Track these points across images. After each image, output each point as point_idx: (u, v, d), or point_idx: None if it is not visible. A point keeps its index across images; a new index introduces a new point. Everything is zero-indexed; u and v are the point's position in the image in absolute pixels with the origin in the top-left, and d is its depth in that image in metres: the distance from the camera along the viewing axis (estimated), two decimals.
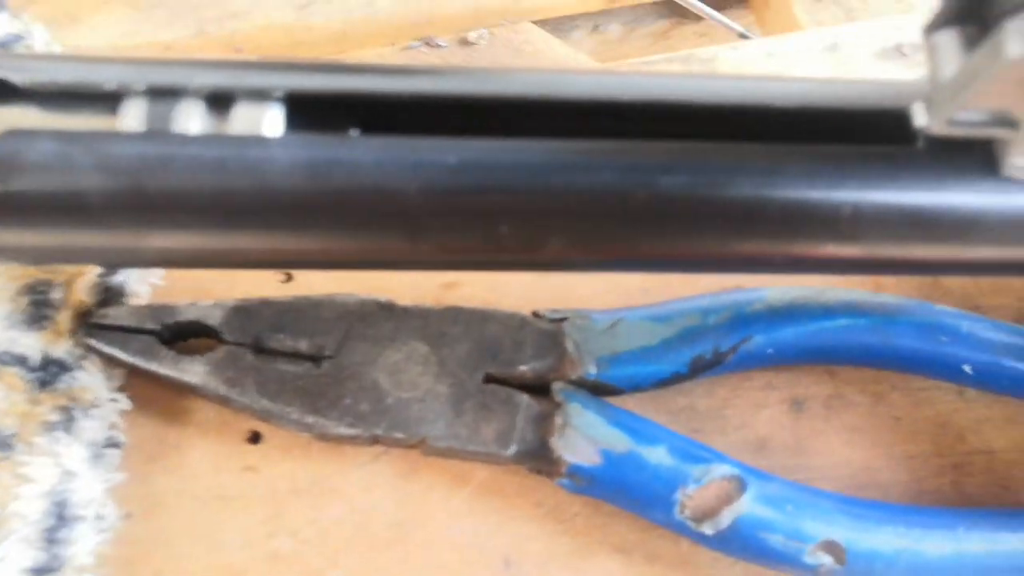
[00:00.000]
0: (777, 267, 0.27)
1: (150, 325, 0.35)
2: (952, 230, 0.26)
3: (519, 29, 0.58)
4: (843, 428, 0.38)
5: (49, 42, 0.38)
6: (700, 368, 0.36)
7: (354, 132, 0.26)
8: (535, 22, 0.59)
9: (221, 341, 0.35)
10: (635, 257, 0.27)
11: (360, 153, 0.25)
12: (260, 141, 0.24)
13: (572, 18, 0.68)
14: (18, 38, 0.37)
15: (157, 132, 0.24)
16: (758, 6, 0.66)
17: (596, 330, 0.36)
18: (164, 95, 0.25)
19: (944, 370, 0.37)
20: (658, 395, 0.37)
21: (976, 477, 0.37)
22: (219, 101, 0.25)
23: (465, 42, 0.57)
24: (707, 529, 0.33)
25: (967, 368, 0.36)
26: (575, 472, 0.33)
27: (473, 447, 0.34)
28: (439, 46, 0.56)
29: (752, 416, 0.38)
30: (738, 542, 0.33)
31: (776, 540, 0.32)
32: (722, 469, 0.33)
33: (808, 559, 0.32)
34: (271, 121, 0.25)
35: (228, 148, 0.24)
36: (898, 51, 0.57)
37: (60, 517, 0.32)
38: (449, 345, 0.35)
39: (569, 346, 0.35)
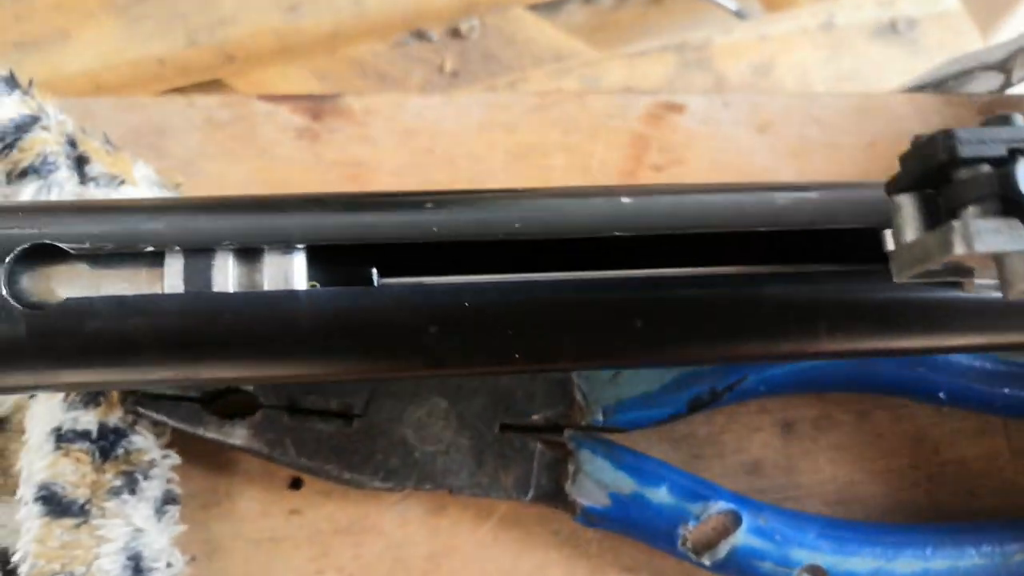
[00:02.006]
0: (765, 362, 0.30)
1: (192, 392, 0.38)
2: (920, 331, 0.29)
3: (510, 17, 0.58)
4: (830, 447, 0.42)
5: (62, 120, 0.39)
6: (698, 407, 0.39)
7: (373, 272, 0.28)
8: (526, 7, 0.59)
9: (258, 403, 0.38)
10: (637, 364, 0.30)
11: (380, 302, 0.27)
12: (290, 295, 0.27)
13: None
14: (34, 119, 0.39)
15: (198, 292, 0.27)
16: None
17: (601, 379, 0.39)
18: (199, 252, 0.27)
19: (923, 395, 0.40)
20: (660, 425, 0.41)
21: (948, 487, 0.41)
22: (248, 253, 0.28)
23: (456, 34, 0.57)
24: (706, 560, 0.37)
25: (942, 395, 0.40)
26: (588, 512, 0.37)
27: (495, 494, 0.38)
28: (430, 40, 0.57)
29: (747, 440, 0.41)
30: (733, 569, 0.37)
31: (767, 567, 0.37)
32: (719, 505, 0.37)
33: None
34: (297, 270, 0.27)
35: (263, 303, 0.27)
36: (892, 28, 0.58)
37: (136, 569, 0.37)
38: (466, 398, 0.39)
39: (577, 395, 0.38)
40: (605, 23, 0.64)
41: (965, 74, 0.47)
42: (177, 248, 0.27)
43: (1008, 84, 0.47)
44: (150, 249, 0.27)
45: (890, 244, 0.27)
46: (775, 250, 0.29)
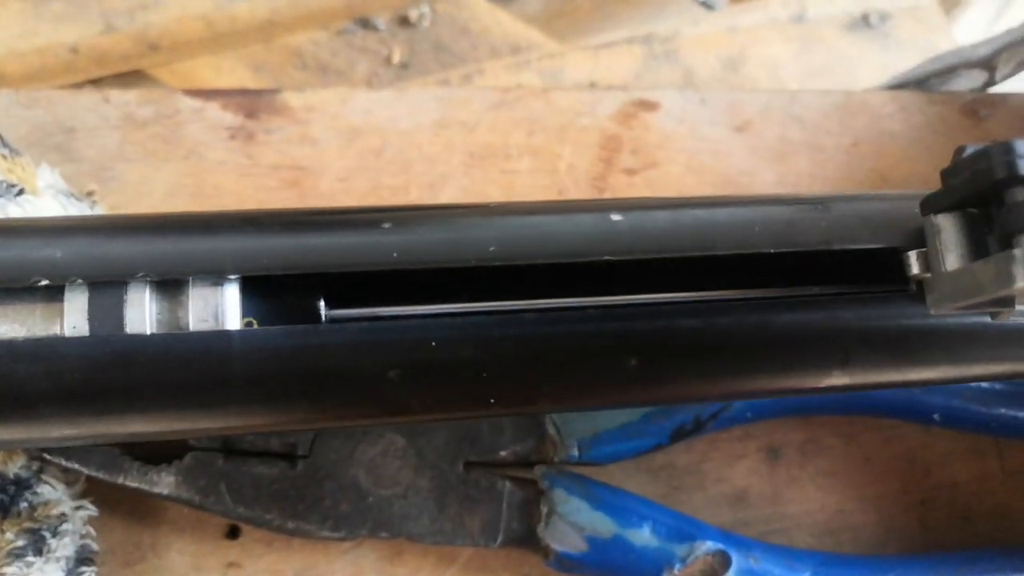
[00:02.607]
0: (770, 397, 0.27)
1: None
2: (942, 360, 0.26)
3: (463, 4, 0.54)
4: (818, 473, 0.39)
5: None
6: (681, 437, 0.36)
7: (320, 305, 0.24)
8: None
9: (187, 447, 0.34)
10: (630, 404, 0.26)
11: (330, 345, 0.23)
12: (221, 336, 0.22)
13: None
14: None
15: (106, 336, 0.22)
16: None
17: None
18: (108, 286, 0.22)
19: (916, 417, 0.38)
20: (639, 457, 0.37)
21: (940, 512, 0.39)
22: (169, 286, 0.23)
23: (405, 22, 0.53)
24: None
25: (936, 416, 0.37)
26: (562, 558, 0.34)
27: (460, 541, 0.34)
28: (377, 28, 0.52)
29: (730, 469, 0.38)
30: None
31: None
32: (706, 545, 0.34)
33: None
34: (230, 305, 0.23)
35: (187, 348, 0.22)
36: (865, 22, 0.55)
37: None
38: (426, 434, 0.34)
39: (550, 428, 0.35)
40: (563, 11, 0.60)
41: (948, 71, 0.45)
42: (80, 281, 0.22)
43: (992, 82, 0.45)
44: (45, 283, 0.22)
45: (915, 267, 0.24)
46: (785, 272, 0.25)
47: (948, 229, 0.21)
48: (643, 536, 0.34)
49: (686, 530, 0.34)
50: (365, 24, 0.51)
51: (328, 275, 0.23)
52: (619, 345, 0.24)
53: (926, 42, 0.53)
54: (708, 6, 0.54)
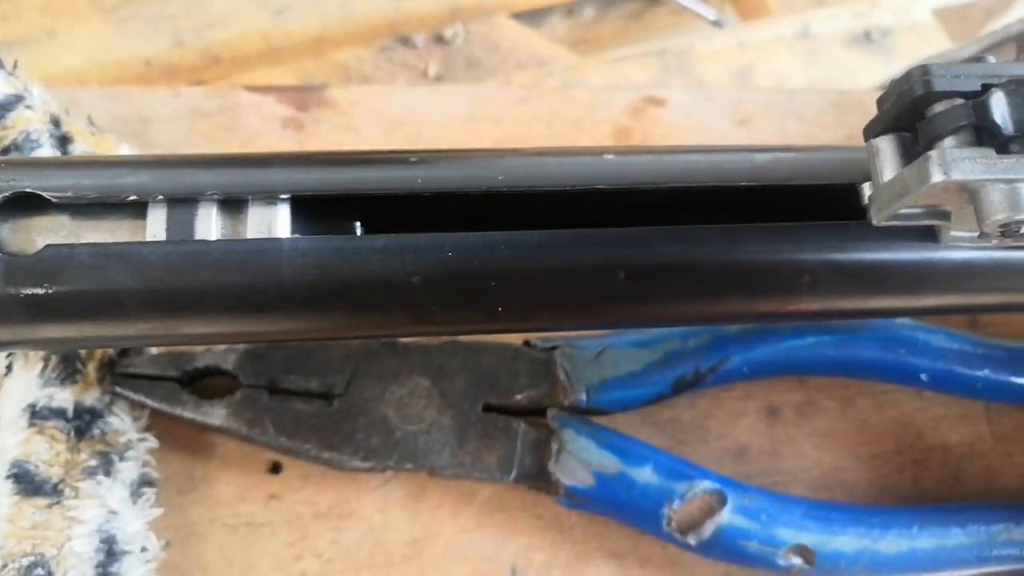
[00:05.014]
0: (746, 322, 0.30)
1: (171, 372, 0.38)
2: (898, 288, 0.29)
3: (494, 24, 0.59)
4: (814, 432, 0.41)
5: (47, 100, 0.39)
6: (682, 388, 0.39)
7: (357, 226, 0.28)
8: (510, 15, 0.60)
9: (238, 384, 0.38)
10: (619, 322, 0.30)
11: (364, 251, 0.27)
12: (273, 243, 0.27)
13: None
14: (18, 98, 0.39)
15: (180, 240, 0.27)
16: None
17: (585, 358, 0.38)
18: (182, 202, 0.27)
19: (904, 378, 0.40)
20: (645, 410, 0.40)
21: (932, 471, 0.41)
22: (232, 204, 0.27)
23: (441, 40, 0.58)
24: (691, 539, 0.36)
25: (923, 376, 0.40)
26: (572, 492, 0.37)
27: (478, 474, 0.37)
28: (415, 45, 0.58)
29: (732, 425, 0.41)
30: (719, 549, 0.37)
31: (753, 546, 0.36)
32: (704, 484, 0.37)
33: (781, 561, 0.36)
34: (281, 221, 0.27)
35: (245, 251, 0.27)
36: (867, 37, 0.59)
37: (110, 553, 0.36)
38: (449, 378, 0.38)
39: (560, 375, 0.38)
40: (586, 35, 0.66)
41: None
42: (160, 198, 0.27)
43: None
44: (133, 199, 0.27)
45: (868, 194, 0.27)
46: (755, 206, 0.29)
47: (885, 149, 0.25)
48: (645, 474, 0.37)
49: (686, 471, 0.37)
50: (405, 41, 0.57)
51: (363, 199, 0.28)
52: (609, 265, 0.28)
53: (926, 55, 0.57)
54: (719, 24, 0.59)
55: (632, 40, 0.63)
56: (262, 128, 0.44)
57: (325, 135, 0.44)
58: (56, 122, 0.39)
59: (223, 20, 0.54)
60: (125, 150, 0.41)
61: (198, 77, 0.55)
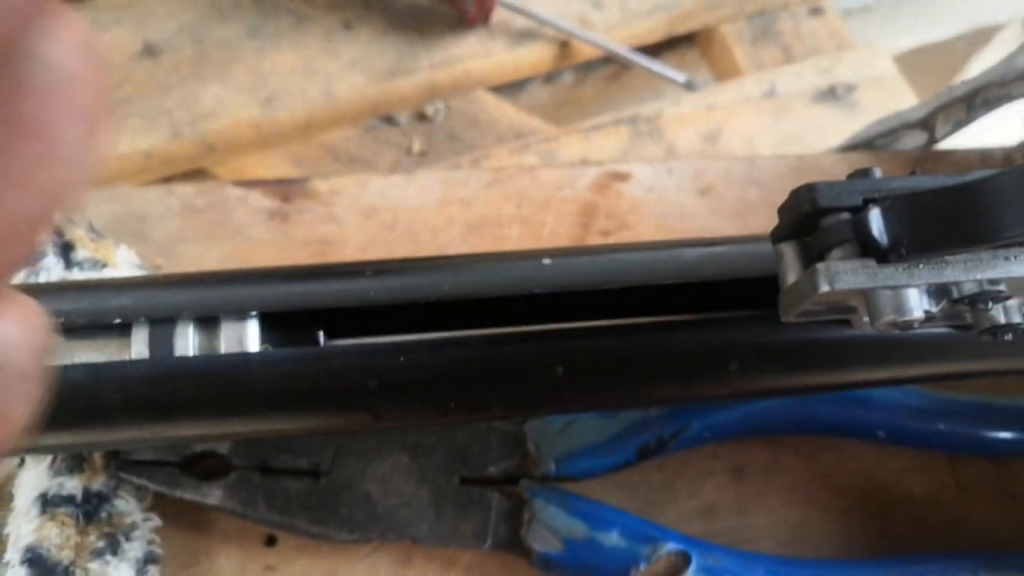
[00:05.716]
0: (682, 404, 0.33)
1: (170, 457, 0.41)
2: (824, 367, 0.32)
3: (473, 99, 0.62)
4: (781, 489, 0.43)
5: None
6: (646, 455, 0.41)
7: (320, 335, 0.31)
8: (488, 89, 0.63)
9: (232, 465, 0.41)
10: (561, 411, 0.32)
11: (325, 359, 0.30)
12: (244, 357, 0.30)
13: None
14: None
15: (161, 358, 0.30)
16: (703, 45, 0.69)
17: (553, 430, 0.41)
18: (162, 323, 0.30)
19: (862, 434, 0.42)
20: (616, 473, 0.43)
21: (898, 522, 0.43)
22: (207, 322, 0.31)
23: (423, 117, 0.61)
24: None
25: (881, 433, 0.42)
26: (543, 558, 0.39)
27: (455, 543, 0.40)
28: (399, 123, 0.61)
29: (700, 485, 0.43)
30: None
31: None
32: (668, 546, 0.39)
33: None
34: (251, 335, 0.30)
35: (219, 365, 0.30)
36: (832, 93, 0.62)
37: None
38: (426, 454, 0.41)
39: (531, 447, 0.41)
40: (566, 100, 0.69)
41: (891, 133, 0.51)
42: (143, 319, 0.30)
43: (933, 141, 0.50)
44: (118, 321, 0.30)
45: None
46: (685, 300, 0.31)
47: (788, 254, 0.27)
48: (612, 538, 0.39)
49: (651, 534, 0.40)
50: (389, 120, 0.60)
51: (325, 311, 0.31)
52: (548, 360, 0.30)
53: (891, 109, 0.59)
54: (690, 86, 0.62)
55: (609, 102, 0.66)
56: (249, 221, 0.47)
57: (308, 225, 0.47)
58: (59, 232, 0.42)
59: (216, 112, 0.58)
60: (123, 252, 0.44)
61: (195, 164, 0.59)
